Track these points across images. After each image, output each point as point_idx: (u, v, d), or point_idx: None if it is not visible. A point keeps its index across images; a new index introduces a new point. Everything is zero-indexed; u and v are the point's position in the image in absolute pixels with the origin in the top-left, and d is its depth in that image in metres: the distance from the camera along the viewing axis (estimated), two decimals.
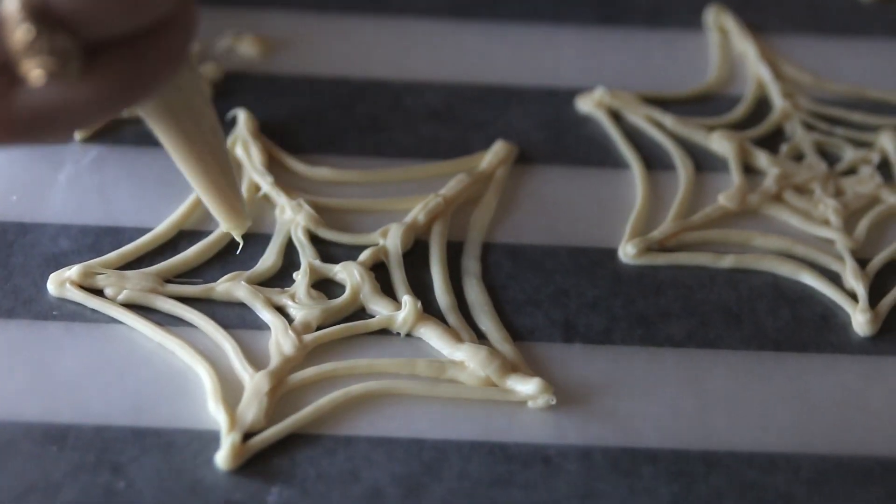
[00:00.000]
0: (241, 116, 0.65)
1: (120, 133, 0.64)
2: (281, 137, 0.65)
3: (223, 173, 0.51)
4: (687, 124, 0.68)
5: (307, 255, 0.59)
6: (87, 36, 0.39)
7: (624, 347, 0.57)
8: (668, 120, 0.68)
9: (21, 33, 0.38)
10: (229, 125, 0.65)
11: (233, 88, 0.68)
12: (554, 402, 0.54)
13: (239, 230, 0.54)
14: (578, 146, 0.67)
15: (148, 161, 0.63)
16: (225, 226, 0.54)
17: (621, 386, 0.56)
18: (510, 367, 0.55)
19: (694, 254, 0.61)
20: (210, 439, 0.52)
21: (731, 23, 0.74)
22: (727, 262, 0.61)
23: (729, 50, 0.73)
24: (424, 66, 0.71)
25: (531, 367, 0.56)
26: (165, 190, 0.61)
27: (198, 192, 0.52)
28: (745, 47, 0.73)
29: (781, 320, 0.59)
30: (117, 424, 0.52)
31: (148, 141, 0.63)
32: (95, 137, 0.64)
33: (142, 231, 0.60)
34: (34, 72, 0.39)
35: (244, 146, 0.64)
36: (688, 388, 0.56)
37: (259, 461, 0.51)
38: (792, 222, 0.63)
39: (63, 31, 0.39)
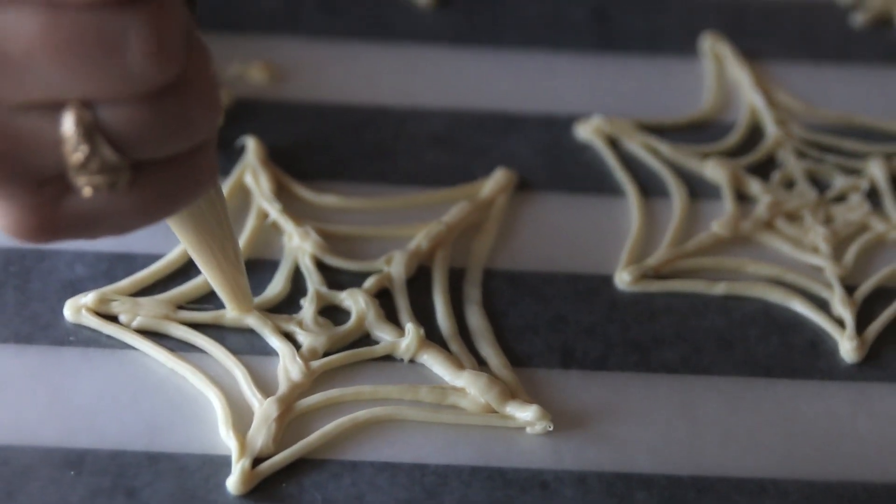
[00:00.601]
0: (251, 144, 0.66)
1: None
2: (289, 164, 0.67)
3: (235, 264, 0.54)
4: (682, 151, 0.69)
5: (314, 282, 0.61)
6: (136, 156, 0.42)
7: (619, 374, 0.59)
8: (664, 147, 0.69)
9: (76, 154, 0.40)
10: (238, 152, 0.66)
11: (242, 115, 0.69)
12: (551, 428, 0.55)
13: (244, 313, 0.57)
14: (576, 173, 0.69)
15: None
16: (231, 308, 0.57)
17: (616, 412, 0.57)
18: (509, 394, 0.56)
19: (688, 281, 0.63)
20: (221, 464, 0.53)
21: (726, 50, 0.76)
22: (720, 288, 0.63)
23: (724, 77, 0.75)
24: (428, 92, 0.73)
25: (530, 392, 0.57)
26: None
27: (209, 280, 0.55)
28: (740, 74, 0.75)
29: (772, 346, 0.61)
30: (132, 449, 0.54)
31: None
32: None
33: (154, 258, 0.61)
34: (85, 188, 0.42)
35: (253, 173, 0.65)
36: (680, 413, 0.57)
37: (268, 486, 0.53)
38: (783, 249, 0.65)
39: (113, 150, 0.41)
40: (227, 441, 0.54)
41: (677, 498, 0.54)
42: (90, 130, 0.40)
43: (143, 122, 0.41)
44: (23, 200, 0.42)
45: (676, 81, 0.75)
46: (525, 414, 0.56)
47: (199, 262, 0.54)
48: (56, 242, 0.44)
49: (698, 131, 0.72)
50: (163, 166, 0.43)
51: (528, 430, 0.56)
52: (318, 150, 0.68)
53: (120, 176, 0.42)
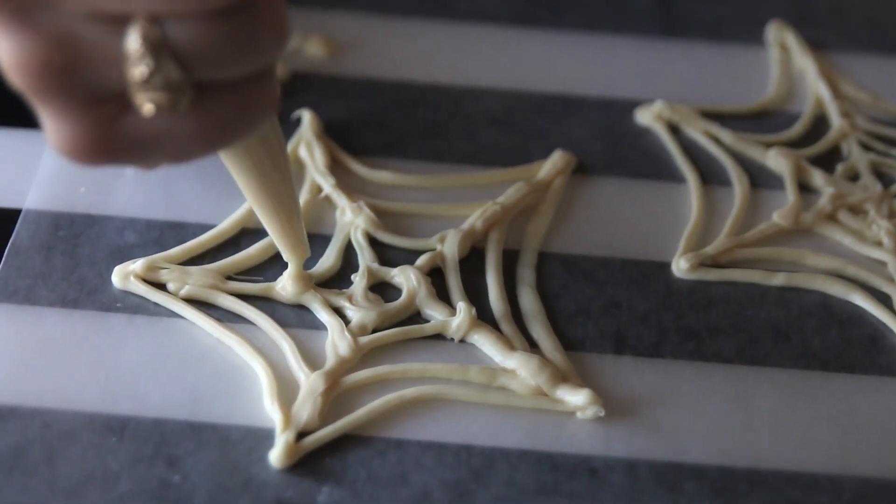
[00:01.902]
0: (306, 117, 0.66)
1: None
2: (343, 139, 0.66)
3: (292, 209, 0.53)
4: (744, 140, 0.68)
5: (366, 258, 0.60)
6: (199, 75, 0.41)
7: (673, 361, 0.58)
8: (726, 135, 0.68)
9: (140, 68, 0.40)
10: (294, 125, 0.66)
11: (298, 88, 0.69)
12: (602, 413, 0.54)
13: (300, 261, 0.56)
14: (635, 158, 0.68)
15: (214, 158, 0.62)
16: (286, 256, 0.56)
17: (669, 400, 0.56)
18: (560, 377, 0.55)
19: (746, 270, 0.62)
20: (264, 436, 0.53)
21: (791, 39, 0.75)
22: (778, 279, 0.61)
23: (789, 66, 0.74)
24: (486, 72, 0.72)
25: (581, 377, 0.56)
26: (230, 187, 0.61)
27: (265, 225, 0.54)
28: (805, 64, 0.73)
29: (830, 340, 0.59)
30: (175, 418, 0.53)
31: None
32: None
33: (205, 227, 0.61)
34: (146, 105, 0.41)
35: (308, 147, 0.65)
36: (734, 404, 0.56)
37: (311, 460, 0.52)
38: (845, 242, 0.63)
39: (178, 66, 0.40)
40: (272, 413, 0.53)
41: (729, 489, 0.53)
42: (156, 45, 0.40)
43: (210, 40, 0.40)
44: (80, 116, 0.42)
45: (740, 70, 0.74)
46: (576, 398, 0.55)
47: (253, 204, 0.53)
48: (110, 164, 0.44)
49: (761, 120, 0.71)
50: (225, 90, 0.42)
51: (579, 414, 0.55)
52: (374, 126, 0.68)
53: (182, 95, 0.41)
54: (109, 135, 0.42)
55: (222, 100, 0.42)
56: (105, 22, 0.40)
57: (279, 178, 0.51)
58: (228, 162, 0.50)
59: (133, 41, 0.40)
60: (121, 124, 0.42)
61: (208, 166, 0.62)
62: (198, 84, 0.41)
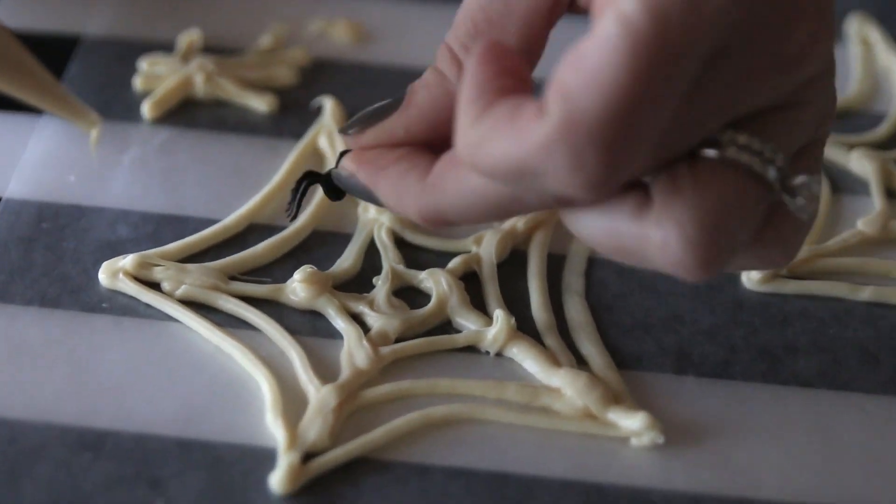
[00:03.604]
0: (328, 105, 0.61)
1: (194, 116, 0.61)
2: None
3: (35, 78, 0.49)
4: None
5: (390, 259, 0.54)
6: None
7: (743, 383, 0.52)
8: None
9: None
10: (314, 114, 0.61)
11: (321, 75, 0.65)
12: (661, 440, 0.48)
13: (89, 126, 0.52)
14: None
15: (221, 148, 0.59)
16: (77, 125, 0.51)
17: (738, 427, 0.50)
18: (613, 398, 0.49)
19: (828, 283, 0.56)
20: (264, 458, 0.47)
21: (875, 34, 0.69)
22: (865, 294, 0.55)
23: (872, 64, 0.68)
24: None
25: (637, 399, 0.50)
26: (238, 179, 0.58)
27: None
28: (891, 61, 0.68)
29: None
30: (162, 434, 0.47)
31: (223, 126, 0.61)
32: (167, 119, 0.61)
33: (208, 222, 0.56)
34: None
35: (329, 137, 0.60)
36: (814, 433, 0.50)
37: (319, 486, 0.46)
38: None
39: None
40: (274, 430, 0.47)
41: None
42: None
43: None
44: None
45: None
46: (631, 422, 0.49)
47: None
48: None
49: (842, 120, 0.65)
50: None
51: (634, 441, 0.49)
52: None
53: None
54: None
55: None
56: None
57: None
58: None
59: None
60: None
61: (214, 156, 0.58)
62: None
